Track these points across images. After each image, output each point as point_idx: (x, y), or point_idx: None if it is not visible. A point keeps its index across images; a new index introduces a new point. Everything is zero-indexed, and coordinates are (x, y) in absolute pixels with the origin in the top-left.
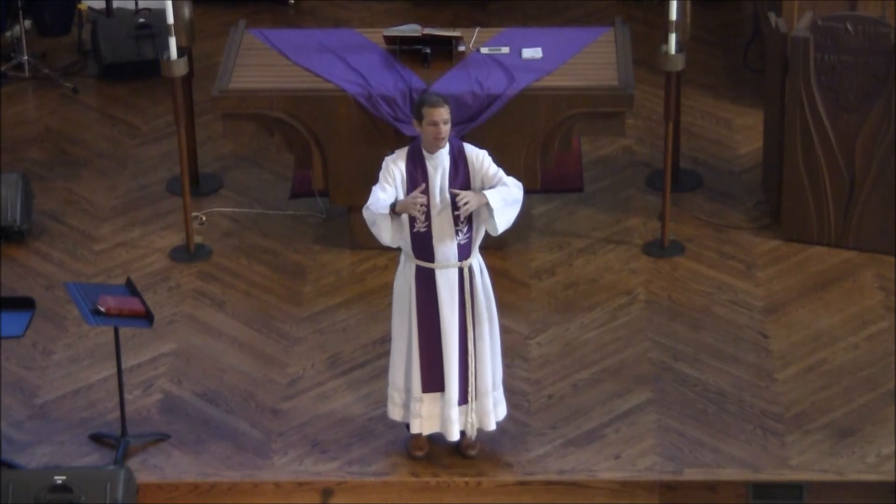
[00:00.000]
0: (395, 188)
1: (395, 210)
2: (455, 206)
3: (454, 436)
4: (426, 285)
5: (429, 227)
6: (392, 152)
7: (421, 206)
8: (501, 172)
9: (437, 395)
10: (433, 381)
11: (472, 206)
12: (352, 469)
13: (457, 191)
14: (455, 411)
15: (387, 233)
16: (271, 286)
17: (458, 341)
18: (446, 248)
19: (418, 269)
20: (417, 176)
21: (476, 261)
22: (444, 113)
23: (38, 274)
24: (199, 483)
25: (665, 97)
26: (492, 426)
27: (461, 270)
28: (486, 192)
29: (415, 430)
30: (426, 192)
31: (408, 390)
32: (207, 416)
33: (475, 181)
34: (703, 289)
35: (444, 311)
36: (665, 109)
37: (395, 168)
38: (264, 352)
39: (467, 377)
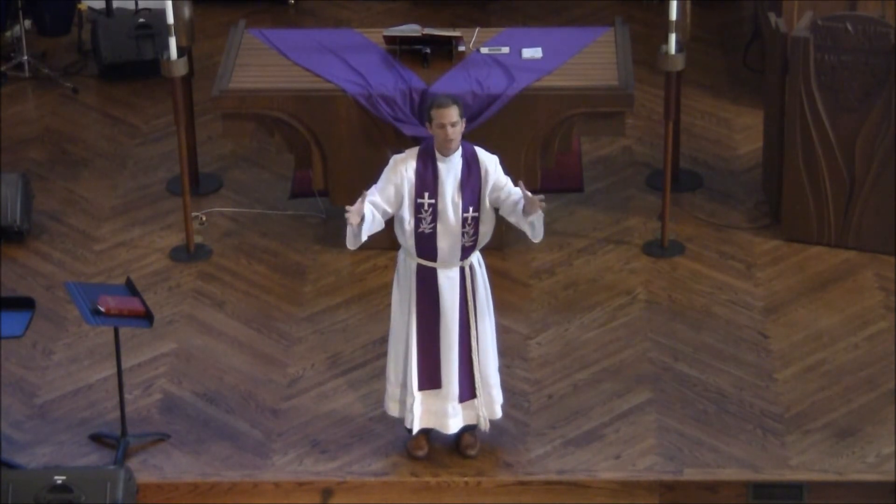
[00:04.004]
0: (397, 188)
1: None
2: (465, 208)
3: (451, 429)
4: (427, 284)
5: (434, 228)
6: (399, 151)
7: (354, 223)
8: (510, 181)
9: (434, 391)
10: (430, 379)
11: (537, 208)
12: (352, 469)
13: (528, 193)
14: (452, 406)
15: (350, 239)
16: (271, 286)
17: (460, 338)
18: (451, 249)
19: (420, 267)
20: (428, 177)
21: (475, 257)
22: (451, 115)
23: (38, 274)
24: (199, 483)
25: (665, 97)
26: (499, 414)
27: (462, 269)
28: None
29: (407, 425)
30: (435, 194)
31: (404, 386)
32: (207, 416)
33: (486, 186)
34: (703, 289)
35: (446, 310)
36: (665, 109)
37: (402, 168)
38: (264, 352)
39: (472, 373)
